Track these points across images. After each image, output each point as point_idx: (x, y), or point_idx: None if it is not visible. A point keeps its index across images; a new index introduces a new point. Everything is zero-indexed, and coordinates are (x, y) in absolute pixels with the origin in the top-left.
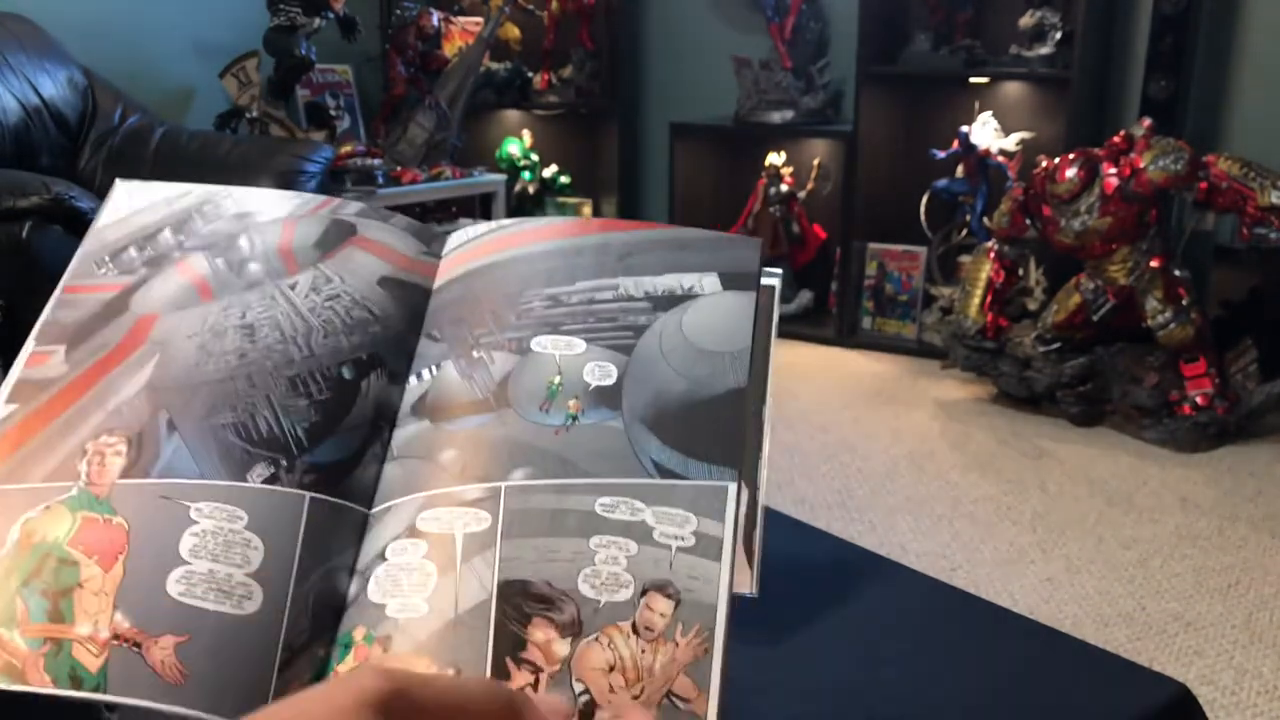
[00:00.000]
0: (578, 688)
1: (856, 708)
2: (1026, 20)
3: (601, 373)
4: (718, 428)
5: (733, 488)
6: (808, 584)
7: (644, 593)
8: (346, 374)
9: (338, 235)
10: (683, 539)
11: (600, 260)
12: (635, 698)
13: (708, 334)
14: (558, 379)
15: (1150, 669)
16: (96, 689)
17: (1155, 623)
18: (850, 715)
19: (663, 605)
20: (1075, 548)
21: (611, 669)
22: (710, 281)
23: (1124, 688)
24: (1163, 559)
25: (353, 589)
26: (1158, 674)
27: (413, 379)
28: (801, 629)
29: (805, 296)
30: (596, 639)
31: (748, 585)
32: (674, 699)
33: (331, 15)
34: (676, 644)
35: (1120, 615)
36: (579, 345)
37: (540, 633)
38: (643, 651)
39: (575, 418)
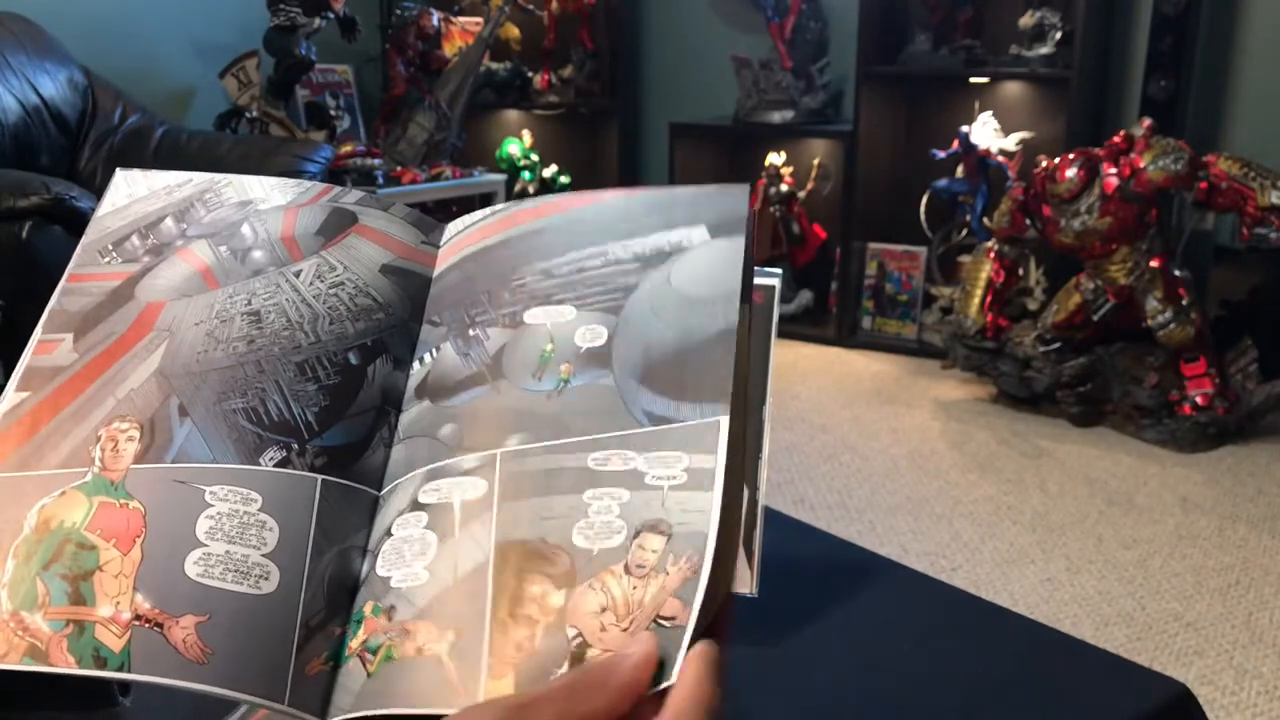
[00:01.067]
0: (570, 632)
1: (856, 707)
2: (1026, 20)
3: (592, 335)
4: (708, 368)
5: (724, 420)
6: (808, 584)
7: (636, 534)
8: (353, 359)
9: (339, 223)
10: (675, 478)
11: (589, 229)
12: (624, 630)
13: (697, 282)
14: (550, 347)
15: (1150, 669)
16: (121, 668)
17: (1155, 623)
18: (849, 715)
19: (655, 543)
20: (1075, 548)
21: (604, 610)
22: (698, 233)
23: (1124, 688)
24: (1163, 559)
25: (364, 568)
26: (1158, 674)
27: (415, 364)
28: (801, 629)
29: (805, 296)
30: (590, 585)
31: (748, 585)
32: (660, 621)
33: (331, 15)
34: (667, 573)
35: (1120, 615)
36: (570, 313)
37: (536, 587)
38: (634, 588)
39: (567, 381)
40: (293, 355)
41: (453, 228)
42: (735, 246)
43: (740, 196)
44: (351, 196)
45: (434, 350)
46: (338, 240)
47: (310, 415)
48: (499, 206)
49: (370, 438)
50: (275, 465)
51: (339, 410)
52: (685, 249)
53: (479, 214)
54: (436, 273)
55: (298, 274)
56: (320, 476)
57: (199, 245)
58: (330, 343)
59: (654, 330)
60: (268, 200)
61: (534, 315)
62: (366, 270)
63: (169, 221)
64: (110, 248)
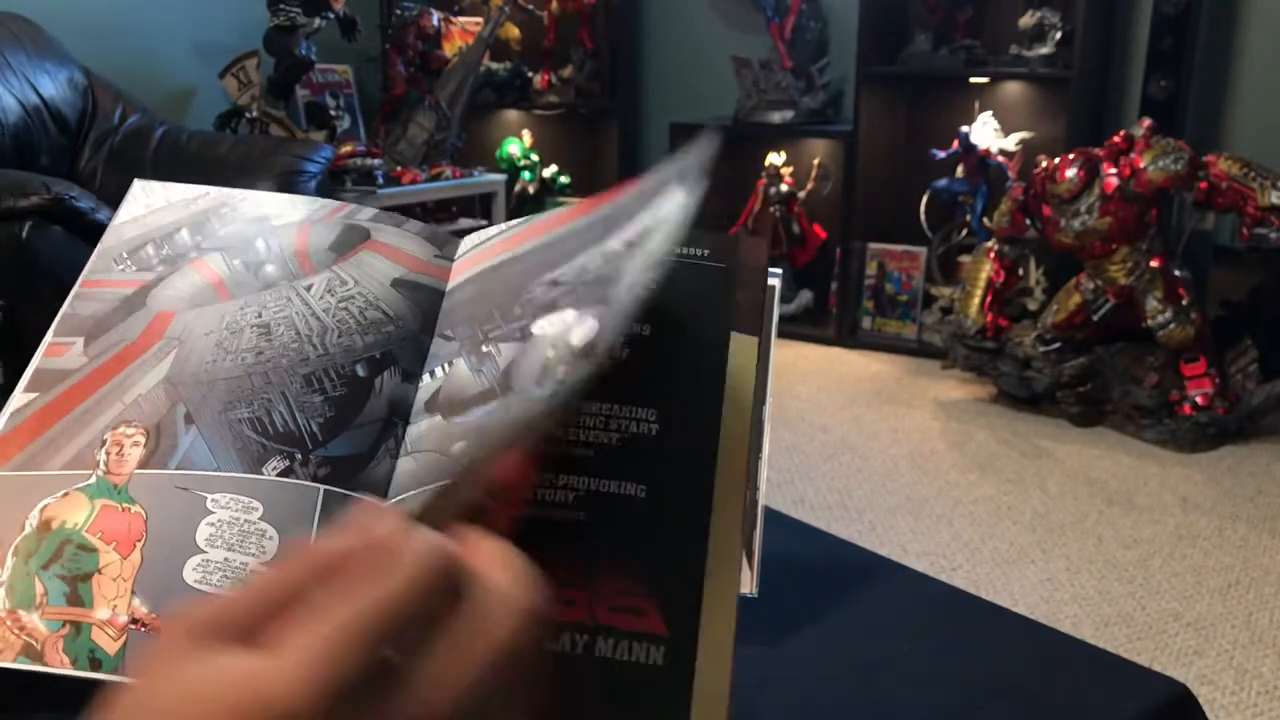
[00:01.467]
0: None
1: (856, 708)
2: (1026, 20)
3: (585, 332)
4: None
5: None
6: (807, 584)
7: None
8: (360, 372)
9: (352, 239)
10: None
11: (593, 231)
12: None
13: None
14: (552, 354)
15: (1150, 669)
16: (115, 671)
17: (1155, 623)
18: (849, 715)
19: None
20: (1075, 548)
21: None
22: (673, 196)
23: (1124, 688)
24: (1163, 559)
25: None
26: (1158, 674)
27: (426, 377)
28: (801, 629)
29: (805, 296)
30: None
31: (748, 585)
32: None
33: (331, 15)
34: None
35: (1120, 615)
36: (570, 316)
37: None
38: None
39: (563, 383)
40: (300, 367)
41: (468, 242)
42: (690, 189)
43: (708, 141)
44: (365, 213)
45: (446, 365)
46: (350, 255)
47: (315, 426)
48: (514, 222)
49: (376, 449)
50: (278, 475)
51: (344, 421)
52: (665, 218)
53: (494, 229)
54: (450, 286)
55: (309, 288)
56: (322, 486)
57: (213, 257)
58: (338, 355)
59: (623, 297)
60: (282, 216)
61: (540, 326)
62: (378, 284)
63: (184, 233)
64: (125, 255)
